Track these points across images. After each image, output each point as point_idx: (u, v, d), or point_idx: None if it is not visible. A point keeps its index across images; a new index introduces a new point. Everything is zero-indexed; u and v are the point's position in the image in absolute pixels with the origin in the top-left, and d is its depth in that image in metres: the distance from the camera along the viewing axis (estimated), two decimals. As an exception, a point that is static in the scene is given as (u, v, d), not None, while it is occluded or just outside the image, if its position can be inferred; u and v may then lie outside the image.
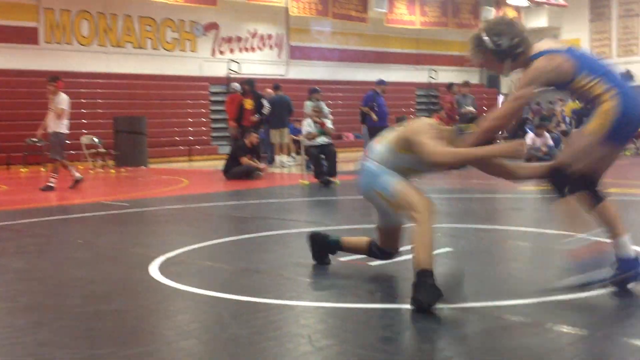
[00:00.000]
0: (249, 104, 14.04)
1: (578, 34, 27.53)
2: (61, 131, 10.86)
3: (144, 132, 17.08)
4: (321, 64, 23.77)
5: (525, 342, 2.98)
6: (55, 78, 10.96)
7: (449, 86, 16.25)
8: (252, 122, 13.89)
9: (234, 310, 3.55)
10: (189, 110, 20.46)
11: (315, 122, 11.43)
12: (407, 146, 3.78)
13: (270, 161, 15.39)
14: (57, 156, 10.95)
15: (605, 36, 26.85)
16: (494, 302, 3.53)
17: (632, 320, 3.26)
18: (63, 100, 10.83)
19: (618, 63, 25.74)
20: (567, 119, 19.71)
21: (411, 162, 3.81)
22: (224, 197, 9.66)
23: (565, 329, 3.08)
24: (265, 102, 14.38)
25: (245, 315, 3.44)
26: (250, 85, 14.28)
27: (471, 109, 15.84)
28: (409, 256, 4.78)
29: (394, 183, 3.74)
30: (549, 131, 15.65)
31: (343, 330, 3.21)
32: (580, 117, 17.52)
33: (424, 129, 3.73)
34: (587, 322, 3.20)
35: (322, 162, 11.09)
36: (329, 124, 11.75)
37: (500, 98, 26.34)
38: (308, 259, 5.03)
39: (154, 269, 4.56)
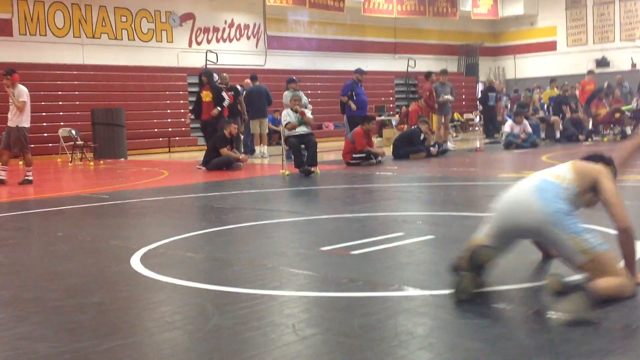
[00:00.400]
0: (207, 96, 13.05)
1: (554, 22, 27.72)
2: (24, 125, 10.69)
3: (122, 123, 16.92)
4: (299, 53, 23.68)
5: (509, 327, 3.00)
6: (10, 71, 10.72)
7: (427, 75, 16.28)
8: (212, 116, 12.90)
9: (216, 301, 3.53)
10: (167, 101, 20.29)
11: (294, 111, 11.40)
12: (589, 189, 3.56)
13: (249, 151, 15.33)
14: (25, 149, 10.77)
15: (582, 23, 27.04)
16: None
17: (617, 305, 3.29)
18: (22, 92, 10.66)
19: (594, 50, 26.01)
20: (545, 106, 19.85)
21: (581, 205, 3.60)
22: (204, 189, 9.61)
23: (548, 313, 3.10)
24: (225, 95, 13.23)
25: (228, 305, 3.43)
26: (208, 77, 13.35)
27: (449, 97, 15.89)
28: (390, 245, 4.81)
29: (600, 243, 3.38)
30: (527, 118, 15.74)
31: (326, 319, 3.21)
32: (557, 104, 17.67)
33: (607, 174, 3.60)
34: (570, 307, 3.22)
35: (302, 152, 11.07)
36: (308, 113, 11.72)
37: (479, 86, 26.46)
38: (290, 249, 5.02)
39: (135, 261, 4.53)
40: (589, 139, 16.52)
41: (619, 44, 25.78)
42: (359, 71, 14.48)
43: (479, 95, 20.90)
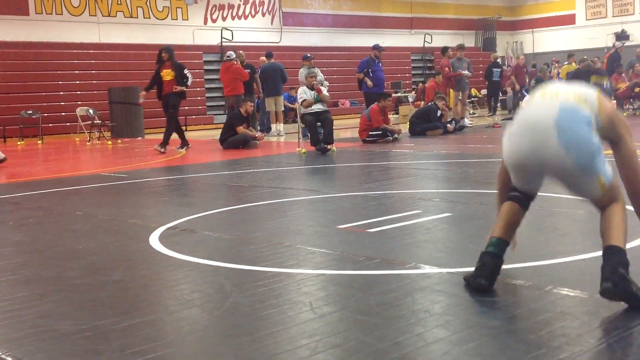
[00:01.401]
0: (168, 74, 11.96)
1: (574, -6, 27.29)
2: None
3: (139, 102, 16.96)
4: (315, 30, 23.53)
5: (527, 305, 3.00)
6: None
7: (444, 50, 16.12)
8: (173, 91, 11.95)
9: (234, 279, 3.56)
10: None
11: (310, 89, 11.36)
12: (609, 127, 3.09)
13: (266, 129, 15.32)
14: None
15: (602, -4, 26.60)
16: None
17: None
18: None
19: (613, 23, 25.58)
20: (563, 81, 19.62)
21: None
22: (221, 167, 9.64)
23: (565, 291, 3.09)
24: (188, 73, 12.12)
25: (246, 284, 3.45)
26: (170, 53, 12.10)
27: (467, 72, 15.74)
28: (407, 222, 4.81)
29: (610, 169, 3.03)
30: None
31: (343, 297, 3.23)
32: (575, 79, 17.45)
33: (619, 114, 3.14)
34: (587, 284, 3.21)
35: (318, 130, 11.05)
36: (324, 90, 11.67)
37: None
38: (307, 227, 5.04)
39: (153, 240, 4.57)
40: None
41: (639, 17, 25.32)
42: (376, 47, 14.38)
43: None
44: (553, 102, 3.04)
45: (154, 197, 6.94)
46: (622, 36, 25.18)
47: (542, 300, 3.01)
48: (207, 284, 3.56)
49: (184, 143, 12.25)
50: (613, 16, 26.15)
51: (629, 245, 3.82)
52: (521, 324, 2.77)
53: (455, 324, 2.81)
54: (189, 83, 12.19)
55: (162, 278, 3.74)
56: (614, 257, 2.91)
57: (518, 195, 3.29)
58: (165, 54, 12.13)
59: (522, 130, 3.07)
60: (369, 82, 13.86)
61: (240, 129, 12.13)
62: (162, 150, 11.69)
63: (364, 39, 22.60)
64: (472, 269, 3.43)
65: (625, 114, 16.44)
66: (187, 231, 4.92)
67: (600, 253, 3.71)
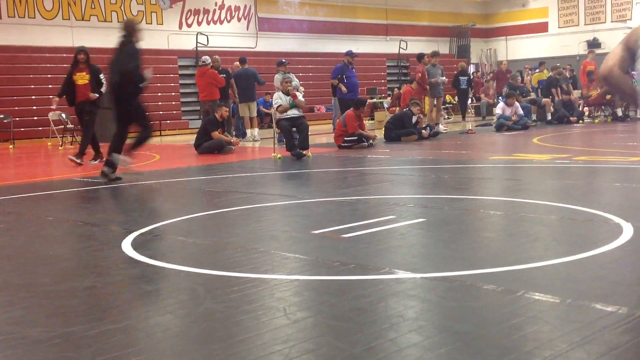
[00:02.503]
0: (82, 78, 10.78)
1: (546, 3, 27.65)
2: None
3: (110, 106, 16.81)
4: (290, 35, 23.55)
5: (498, 310, 3.02)
6: None
7: (419, 56, 16.23)
8: (89, 99, 10.79)
9: (208, 285, 3.54)
10: (157, 84, 20.18)
11: (286, 94, 11.36)
12: None
13: (242, 135, 15.29)
14: None
15: (573, 4, 26.98)
16: (467, 271, 3.57)
17: (601, 286, 3.32)
18: None
19: (585, 31, 25.97)
20: (535, 89, 19.86)
21: None
22: (196, 172, 9.59)
23: (537, 296, 3.12)
24: (103, 79, 10.67)
25: (219, 289, 3.44)
26: (86, 55, 10.91)
27: (443, 78, 15.87)
28: (381, 228, 4.82)
29: None
30: (518, 100, 15.75)
31: (318, 302, 3.22)
32: (548, 86, 17.68)
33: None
34: (558, 289, 3.25)
35: (293, 135, 11.05)
36: (300, 96, 11.68)
37: (471, 68, 26.41)
38: (281, 233, 5.03)
39: (126, 245, 4.53)
40: (580, 121, 16.55)
41: (611, 25, 25.75)
42: (349, 53, 14.45)
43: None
44: None
45: (127, 202, 6.88)
46: (593, 44, 25.58)
47: (514, 305, 3.04)
48: (180, 290, 3.54)
49: (97, 156, 10.91)
50: (585, 24, 26.55)
51: (590, 253, 3.88)
52: (493, 329, 2.79)
53: (428, 329, 2.82)
54: (102, 89, 10.77)
55: (135, 284, 3.70)
56: None
57: None
58: (83, 55, 10.84)
59: None
60: (343, 88, 13.91)
61: (216, 134, 12.09)
62: (79, 161, 10.49)
63: (339, 45, 22.67)
64: (447, 273, 3.47)
65: (596, 120, 16.70)
66: (161, 237, 4.88)
67: (571, 258, 3.76)
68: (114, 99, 8.68)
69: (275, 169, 9.50)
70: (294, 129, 11.09)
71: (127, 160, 8.53)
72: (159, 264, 4.01)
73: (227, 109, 13.15)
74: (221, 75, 14.34)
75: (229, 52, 20.01)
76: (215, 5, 21.94)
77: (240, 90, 15.01)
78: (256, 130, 15.42)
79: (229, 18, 22.28)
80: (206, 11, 21.73)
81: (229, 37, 21.88)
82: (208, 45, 20.23)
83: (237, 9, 22.45)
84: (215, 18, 21.98)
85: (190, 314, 3.10)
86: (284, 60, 14.63)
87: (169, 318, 3.07)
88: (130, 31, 8.74)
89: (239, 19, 22.51)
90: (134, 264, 4.08)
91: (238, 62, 15.81)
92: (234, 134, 14.81)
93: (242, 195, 6.94)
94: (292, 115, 11.21)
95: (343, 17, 24.87)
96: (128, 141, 8.70)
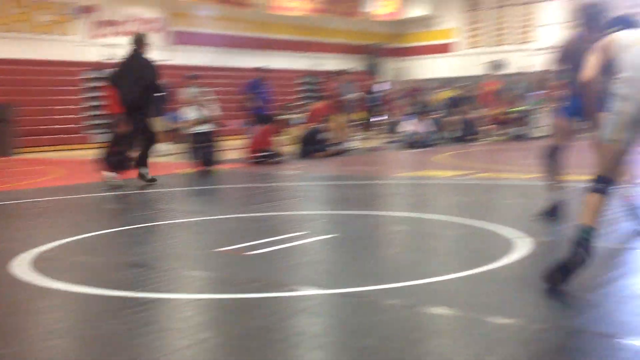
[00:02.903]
0: None
1: (453, 24, 28.64)
2: None
3: (6, 119, 16.19)
4: (204, 49, 23.32)
5: (401, 324, 3.06)
6: None
7: (332, 73, 16.44)
8: None
9: (107, 307, 3.41)
10: (61, 97, 19.47)
11: (196, 108, 11.22)
12: None
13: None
14: None
15: (479, 26, 28.09)
16: (372, 287, 3.61)
17: (498, 299, 3.43)
18: None
19: (490, 52, 27.03)
20: (441, 106, 20.43)
21: None
22: (99, 188, 9.29)
23: (438, 310, 3.19)
24: None
25: (119, 311, 3.32)
26: None
27: (355, 95, 16.15)
28: (290, 244, 4.82)
29: None
30: (425, 118, 16.19)
31: (222, 322, 3.17)
32: (452, 105, 18.28)
33: None
34: (458, 303, 3.33)
35: (204, 150, 10.91)
36: (211, 110, 11.57)
37: (382, 86, 26.95)
38: (186, 250, 4.93)
39: (20, 266, 4.31)
40: (482, 139, 17.16)
41: (514, 47, 26.91)
42: (262, 69, 14.47)
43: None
44: None
45: (24, 220, 6.57)
46: (497, 65, 26.66)
47: (414, 320, 3.09)
48: (76, 312, 3.40)
49: None
50: (490, 46, 27.65)
51: (489, 267, 4.01)
52: (395, 344, 2.82)
53: (331, 346, 2.83)
54: None
55: (26, 307, 3.52)
56: None
57: (603, 187, 3.55)
58: None
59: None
60: (256, 103, 13.87)
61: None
62: None
63: (254, 60, 22.60)
64: (351, 289, 3.50)
65: (497, 138, 17.36)
66: (59, 256, 4.68)
67: (471, 272, 3.87)
68: (133, 109, 8.88)
69: (183, 185, 9.33)
70: (204, 143, 10.96)
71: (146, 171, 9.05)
72: (54, 285, 3.83)
73: (136, 123, 12.82)
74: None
75: (139, 65, 19.58)
76: (127, 16, 21.47)
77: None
78: (165, 145, 15.14)
79: (140, 30, 21.83)
80: (117, 22, 21.23)
81: (140, 50, 21.43)
82: (118, 58, 19.73)
83: (149, 21, 22.06)
84: (127, 30, 21.50)
85: (85, 337, 2.98)
86: (195, 74, 14.47)
87: (62, 342, 2.94)
88: (140, 44, 9.15)
89: (151, 32, 22.11)
90: (27, 286, 3.88)
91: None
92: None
93: (147, 212, 6.77)
94: (203, 130, 11.08)
95: (258, 32, 24.88)
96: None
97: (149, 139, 9.24)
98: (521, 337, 2.82)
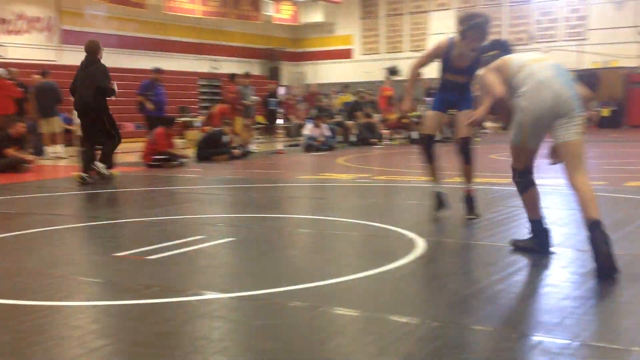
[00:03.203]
0: None
1: (350, 31, 29.15)
2: None
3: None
4: (98, 50, 22.57)
5: (303, 326, 3.07)
6: None
7: (232, 77, 16.32)
8: None
9: (-6, 316, 3.23)
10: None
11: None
12: None
13: (39, 152, 14.28)
14: None
15: (375, 33, 28.72)
16: (274, 289, 3.60)
17: (396, 298, 3.51)
18: None
19: (386, 59, 27.71)
20: (340, 111, 20.76)
21: None
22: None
23: (339, 310, 3.22)
24: None
25: (7, 320, 3.15)
26: None
27: (255, 98, 16.11)
28: (190, 248, 4.73)
29: None
30: (325, 122, 16.37)
31: (118, 329, 3.07)
32: (352, 110, 18.59)
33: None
34: (358, 303, 3.38)
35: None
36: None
37: (280, 90, 27.04)
38: (81, 256, 4.75)
39: None
40: (381, 142, 17.56)
41: (409, 54, 27.70)
42: (156, 70, 14.16)
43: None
44: (544, 62, 4.18)
45: None
46: (392, 71, 27.37)
47: (316, 321, 3.11)
48: (-40, 323, 3.19)
49: None
50: (385, 52, 28.32)
51: (387, 267, 4.11)
52: (297, 346, 2.83)
53: (233, 349, 2.80)
54: None
55: None
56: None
57: (528, 180, 4.32)
58: None
59: (545, 84, 4.05)
60: (150, 105, 13.54)
61: (10, 151, 11.20)
62: None
63: (150, 62, 22.08)
64: (253, 293, 3.48)
65: (395, 142, 17.81)
66: (-59, 265, 4.38)
67: (370, 272, 3.94)
68: (86, 112, 9.47)
69: (78, 189, 8.98)
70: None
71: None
72: (-64, 295, 3.59)
73: (24, 125, 12.24)
74: (20, 89, 13.35)
75: (30, 64, 18.71)
76: (14, 15, 20.44)
77: (40, 105, 14.06)
78: (58, 147, 14.51)
79: (29, 29, 20.86)
80: (3, 21, 20.17)
81: (29, 49, 20.47)
82: (7, 57, 18.76)
83: (39, 20, 21.10)
84: (12, 28, 20.48)
85: (-28, 349, 2.80)
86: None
87: (-55, 355, 2.75)
88: (95, 50, 9.70)
89: (40, 31, 21.17)
90: None
91: (38, 76, 14.82)
92: (32, 151, 13.81)
93: (39, 217, 6.46)
94: (97, 133, 10.69)
95: (154, 33, 24.34)
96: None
97: (115, 138, 9.75)
98: (419, 335, 2.89)
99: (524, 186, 4.36)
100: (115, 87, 9.88)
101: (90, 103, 9.37)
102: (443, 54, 5.69)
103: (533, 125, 4.11)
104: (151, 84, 13.78)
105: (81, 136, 9.89)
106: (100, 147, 9.62)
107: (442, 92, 5.88)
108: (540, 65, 4.15)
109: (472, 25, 5.29)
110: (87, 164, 9.44)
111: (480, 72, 4.69)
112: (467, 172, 5.81)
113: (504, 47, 4.64)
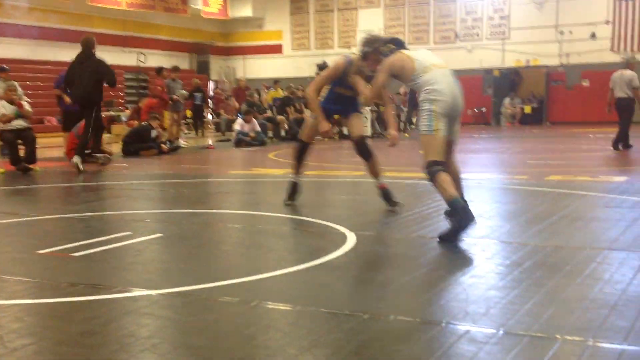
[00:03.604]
0: None
1: (280, 26, 29.07)
2: None
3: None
4: (18, 41, 21.72)
5: (233, 321, 3.05)
6: None
7: (159, 70, 16.00)
8: None
9: None
10: None
11: (10, 103, 10.42)
12: None
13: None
14: None
15: (305, 29, 28.74)
16: (204, 285, 3.56)
17: (327, 291, 3.53)
18: None
19: (316, 55, 27.79)
20: (270, 106, 20.72)
21: None
22: None
23: (270, 305, 3.21)
24: None
25: None
26: None
27: (184, 92, 15.87)
28: (116, 245, 4.62)
29: None
30: (255, 117, 16.29)
31: (42, 328, 2.97)
32: (282, 105, 18.56)
33: None
34: (289, 297, 3.38)
35: (20, 148, 10.16)
36: (26, 106, 10.79)
37: (211, 84, 26.74)
38: (1, 254, 4.56)
39: None
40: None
41: (338, 50, 27.87)
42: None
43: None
44: (445, 69, 4.85)
45: None
46: (323, 67, 27.45)
47: (248, 315, 3.09)
48: None
49: None
50: (315, 48, 28.40)
51: (319, 261, 4.13)
52: (227, 341, 2.80)
53: (162, 346, 2.74)
54: None
55: None
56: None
57: (439, 167, 4.68)
58: None
59: (448, 87, 4.75)
60: (67, 99, 13.04)
61: None
62: None
63: (73, 54, 21.45)
64: (183, 289, 3.43)
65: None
66: None
67: (302, 267, 3.96)
68: (88, 103, 10.05)
69: (-2, 185, 8.63)
70: (20, 141, 10.21)
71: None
72: None
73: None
74: None
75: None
76: None
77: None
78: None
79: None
80: None
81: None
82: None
83: (-47, 9, 20.14)
84: None
85: None
86: (5, 66, 13.38)
87: None
88: (92, 45, 10.50)
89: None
90: None
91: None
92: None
93: (-45, 215, 6.17)
94: (18, 127, 10.31)
95: (77, 25, 23.57)
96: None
97: (99, 128, 10.48)
98: (349, 327, 2.92)
99: (438, 171, 4.64)
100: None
101: (92, 95, 10.04)
102: (340, 73, 5.92)
103: (445, 115, 4.68)
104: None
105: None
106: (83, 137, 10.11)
107: (328, 103, 6.11)
108: (443, 71, 4.81)
109: (377, 50, 5.40)
110: (98, 146, 10.37)
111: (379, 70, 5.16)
112: (372, 169, 6.02)
113: (399, 43, 5.19)
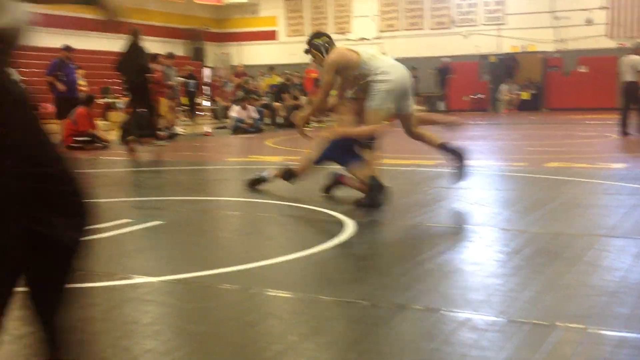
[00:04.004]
0: None
1: (274, 12, 28.92)
2: None
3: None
4: (11, 27, 21.58)
5: (234, 308, 3.06)
6: None
7: (154, 57, 15.92)
8: None
9: None
10: None
11: None
12: None
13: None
14: None
15: (299, 15, 28.60)
16: (204, 272, 3.57)
17: (327, 278, 3.54)
18: None
19: (312, 41, 27.64)
20: (266, 93, 20.66)
21: None
22: None
23: (270, 292, 3.22)
24: None
25: None
26: None
27: (180, 79, 15.83)
28: (116, 232, 4.62)
29: None
30: (252, 104, 16.26)
31: (43, 316, 2.97)
32: (279, 92, 18.52)
33: None
34: (289, 285, 3.39)
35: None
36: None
37: (205, 71, 26.64)
38: (1, 242, 4.56)
39: None
40: (309, 125, 17.59)
41: (333, 37, 27.77)
42: (66, 48, 13.59)
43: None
44: (387, 56, 5.77)
45: None
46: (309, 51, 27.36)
47: (248, 303, 3.10)
48: None
49: None
50: (309, 35, 28.29)
51: (318, 248, 4.14)
52: (228, 328, 2.81)
53: (164, 333, 2.75)
54: None
55: None
56: None
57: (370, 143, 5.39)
58: None
59: (394, 68, 5.45)
60: (60, 86, 12.99)
61: None
62: None
63: (63, 40, 21.29)
64: (184, 276, 3.44)
65: (321, 125, 17.88)
66: None
67: (301, 254, 3.96)
68: (136, 88, 11.26)
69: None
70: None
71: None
72: None
73: None
74: None
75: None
76: None
77: None
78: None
79: None
80: None
81: None
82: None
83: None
84: None
85: None
86: None
87: None
88: (137, 36, 11.54)
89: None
90: None
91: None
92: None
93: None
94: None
95: (69, 10, 23.42)
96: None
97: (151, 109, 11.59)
98: (350, 314, 2.93)
99: (372, 145, 5.33)
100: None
101: (137, 80, 11.23)
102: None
103: (394, 92, 5.34)
104: (61, 63, 13.22)
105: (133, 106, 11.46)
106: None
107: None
108: (384, 57, 5.62)
109: (312, 44, 5.95)
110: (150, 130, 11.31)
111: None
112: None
113: (329, 37, 5.87)
